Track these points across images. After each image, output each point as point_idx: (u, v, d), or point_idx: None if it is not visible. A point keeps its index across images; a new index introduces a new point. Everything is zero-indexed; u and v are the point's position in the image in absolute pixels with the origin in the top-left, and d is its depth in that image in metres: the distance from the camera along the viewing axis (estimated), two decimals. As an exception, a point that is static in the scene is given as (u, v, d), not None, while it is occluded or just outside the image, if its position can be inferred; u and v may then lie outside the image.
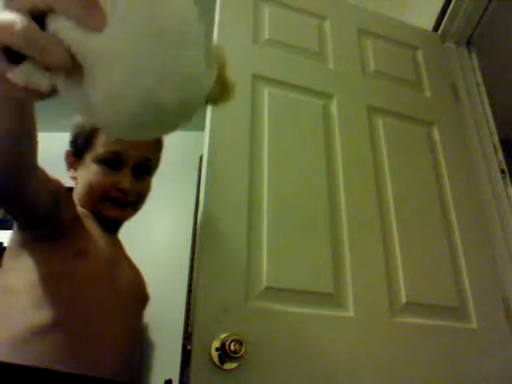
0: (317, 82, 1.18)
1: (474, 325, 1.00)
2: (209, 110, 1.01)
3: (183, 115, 0.37)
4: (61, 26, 0.29)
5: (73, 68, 0.30)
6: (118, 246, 0.89)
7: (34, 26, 0.29)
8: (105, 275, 0.77)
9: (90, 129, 0.84)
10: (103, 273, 0.77)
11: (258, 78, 1.10)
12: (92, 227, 0.81)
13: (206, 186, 0.93)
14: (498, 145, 1.32)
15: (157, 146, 0.91)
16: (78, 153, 0.87)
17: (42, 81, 0.30)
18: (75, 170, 0.88)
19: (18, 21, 0.28)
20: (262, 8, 1.22)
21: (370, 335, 0.91)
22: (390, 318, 0.94)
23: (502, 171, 1.28)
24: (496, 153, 1.31)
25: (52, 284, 0.71)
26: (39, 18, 0.29)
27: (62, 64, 0.30)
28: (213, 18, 1.13)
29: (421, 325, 0.96)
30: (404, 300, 0.97)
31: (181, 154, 2.83)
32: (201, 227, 0.89)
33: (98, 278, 0.75)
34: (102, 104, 0.32)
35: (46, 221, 0.71)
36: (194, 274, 0.86)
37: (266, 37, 1.18)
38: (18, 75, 0.29)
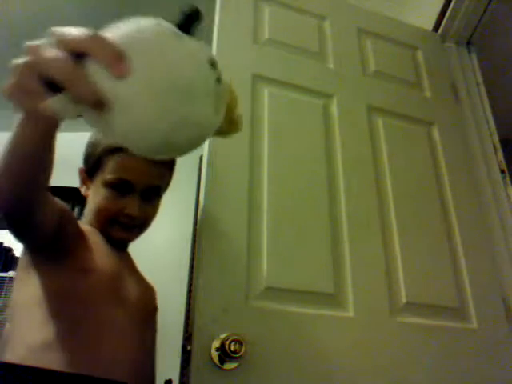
0: (317, 82, 1.18)
1: (474, 325, 1.00)
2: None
3: (191, 148, 0.44)
4: (94, 69, 0.36)
5: (98, 104, 0.36)
6: (126, 260, 0.90)
7: (73, 64, 0.35)
8: (112, 289, 0.77)
9: (101, 151, 0.84)
10: (110, 287, 0.77)
11: (258, 78, 1.10)
12: (99, 243, 0.82)
13: (206, 186, 0.93)
14: (498, 145, 1.32)
15: (166, 172, 0.90)
16: (89, 171, 0.88)
17: (71, 110, 0.36)
18: (87, 187, 0.89)
19: (62, 58, 0.35)
20: (262, 8, 1.22)
21: (370, 335, 0.91)
22: (390, 318, 0.94)
23: (502, 171, 1.28)
24: (496, 153, 1.31)
25: (59, 300, 0.71)
26: (78, 58, 0.35)
27: (90, 99, 0.35)
28: (213, 21, 1.13)
29: (421, 325, 0.96)
30: (404, 300, 0.97)
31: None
32: (201, 227, 0.89)
33: (105, 292, 0.76)
34: (121, 135, 0.39)
35: (51, 242, 0.72)
36: (194, 274, 0.86)
37: (266, 37, 1.18)
38: (54, 103, 0.35)
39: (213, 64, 0.41)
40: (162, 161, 0.85)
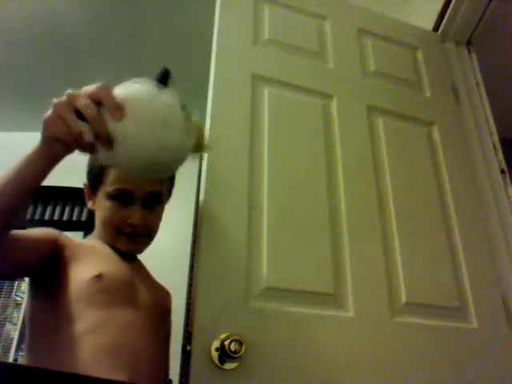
0: (317, 82, 1.18)
1: (474, 325, 1.00)
2: (209, 109, 1.01)
3: (174, 166, 0.64)
4: (106, 114, 0.56)
5: (107, 138, 0.56)
6: (138, 268, 0.92)
7: (97, 108, 0.56)
8: (124, 293, 0.80)
9: (100, 166, 0.87)
10: (122, 291, 0.79)
11: (257, 78, 1.10)
12: (107, 254, 0.85)
13: (206, 185, 0.93)
14: (498, 145, 1.32)
15: (165, 178, 0.93)
16: (93, 186, 0.91)
17: (89, 138, 0.57)
18: (93, 202, 0.92)
19: (90, 102, 0.56)
20: (262, 8, 1.22)
21: (370, 335, 0.91)
22: (390, 318, 0.94)
23: (502, 171, 1.28)
24: (496, 153, 1.31)
25: (70, 306, 0.74)
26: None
27: (104, 134, 0.55)
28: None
29: (421, 325, 0.96)
30: (404, 300, 0.97)
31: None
32: (201, 227, 0.89)
33: (117, 295, 0.78)
34: (121, 161, 0.59)
35: (49, 265, 0.77)
36: (194, 274, 0.86)
37: (266, 37, 1.18)
38: (82, 126, 0.56)
39: (183, 107, 0.61)
40: None
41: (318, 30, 1.27)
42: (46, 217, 2.82)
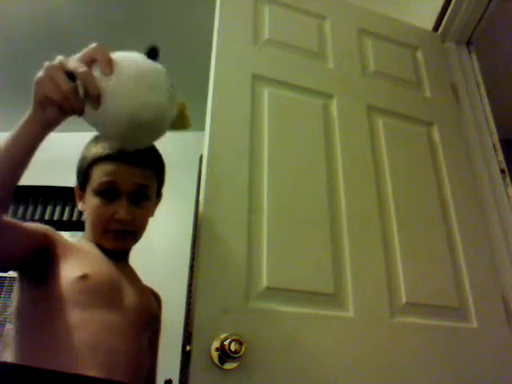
0: (317, 82, 1.18)
1: (474, 325, 1.00)
2: (209, 109, 1.01)
3: (156, 131, 0.68)
4: (96, 73, 0.61)
5: (97, 96, 0.60)
6: (126, 270, 0.91)
7: (88, 68, 0.60)
8: (108, 295, 0.79)
9: (87, 163, 0.88)
10: (106, 292, 0.79)
11: (257, 78, 1.10)
12: (94, 253, 0.85)
13: (206, 186, 0.93)
14: (498, 145, 1.32)
15: (151, 173, 0.91)
16: (82, 186, 0.91)
17: (79, 96, 0.60)
18: (83, 203, 0.91)
19: (80, 63, 0.60)
20: (262, 8, 1.22)
21: (370, 335, 0.90)
22: (390, 318, 0.94)
23: (502, 171, 1.28)
24: (496, 153, 1.31)
25: (53, 305, 0.74)
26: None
27: (94, 91, 0.60)
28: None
29: (421, 325, 0.96)
30: (404, 300, 0.97)
31: (181, 153, 2.83)
32: (201, 227, 0.89)
33: (101, 297, 0.78)
34: (106, 120, 0.62)
35: (39, 259, 0.77)
36: (194, 274, 0.86)
37: (266, 37, 1.18)
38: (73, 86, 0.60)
39: (171, 86, 0.66)
40: (144, 163, 0.88)
41: (318, 30, 1.27)
42: (46, 217, 2.82)
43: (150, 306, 0.91)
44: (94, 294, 0.76)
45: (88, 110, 0.62)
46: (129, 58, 0.65)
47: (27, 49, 2.42)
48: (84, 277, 0.76)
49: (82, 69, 0.59)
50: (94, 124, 0.64)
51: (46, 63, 0.60)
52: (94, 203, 0.86)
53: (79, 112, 0.62)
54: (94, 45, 0.62)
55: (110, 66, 0.61)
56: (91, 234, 0.88)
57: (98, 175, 0.86)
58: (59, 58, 0.61)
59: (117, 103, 0.60)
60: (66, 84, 0.59)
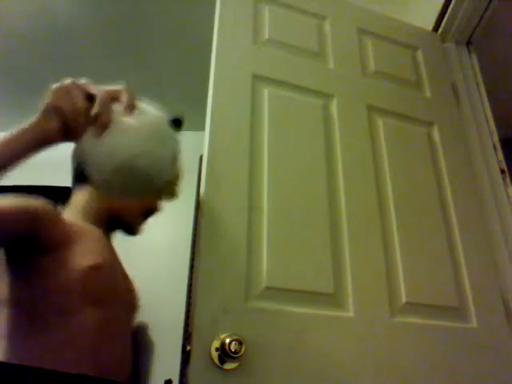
0: (317, 82, 1.18)
1: (474, 325, 1.00)
2: (209, 109, 1.01)
3: (144, 184, 0.63)
4: (115, 109, 0.61)
5: (105, 124, 0.59)
6: (115, 252, 0.90)
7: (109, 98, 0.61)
8: (114, 289, 0.79)
9: None
10: (113, 287, 0.78)
11: (258, 78, 1.10)
12: (102, 240, 0.83)
13: (206, 186, 0.93)
14: (498, 145, 1.32)
15: None
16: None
17: (91, 117, 0.59)
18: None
19: (104, 94, 0.60)
20: (262, 8, 1.22)
21: (370, 335, 0.90)
22: (390, 318, 0.94)
23: (502, 171, 1.28)
24: (496, 153, 1.31)
25: (59, 299, 0.72)
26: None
27: (104, 119, 0.58)
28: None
29: (421, 325, 0.96)
30: (404, 300, 0.97)
31: (181, 154, 2.82)
32: (201, 227, 0.89)
33: (110, 292, 0.77)
34: (103, 149, 0.59)
35: (25, 242, 0.72)
36: (194, 274, 0.86)
37: (266, 37, 1.18)
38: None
39: (176, 158, 0.68)
40: None
41: (318, 30, 1.27)
42: (46, 217, 2.81)
43: (135, 293, 0.91)
44: (106, 288, 0.75)
45: (87, 137, 0.59)
46: (152, 111, 0.64)
47: (25, 49, 2.42)
48: (96, 267, 0.74)
49: (103, 94, 0.59)
50: (85, 154, 0.61)
51: (69, 80, 0.60)
52: None
53: (80, 133, 0.59)
54: (122, 86, 0.62)
55: (132, 107, 0.60)
56: (104, 213, 0.88)
57: None
58: (84, 80, 0.61)
59: (119, 139, 0.59)
60: (81, 100, 0.58)
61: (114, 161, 0.59)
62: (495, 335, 1.01)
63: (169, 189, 0.73)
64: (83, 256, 0.74)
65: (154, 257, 2.57)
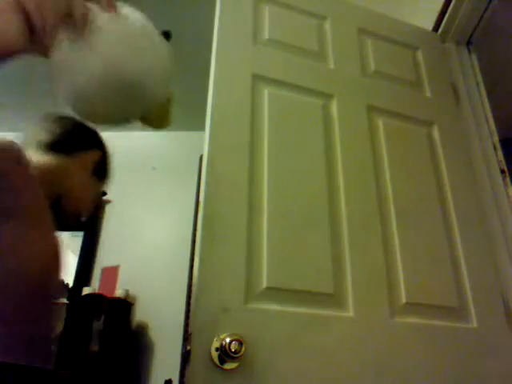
0: (317, 82, 1.18)
1: (474, 325, 1.00)
2: (209, 109, 1.01)
3: (137, 103, 0.52)
4: (94, 8, 0.48)
5: (85, 22, 0.46)
6: None
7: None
8: None
9: None
10: None
11: (258, 78, 1.10)
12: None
13: (206, 186, 0.93)
14: (498, 145, 1.32)
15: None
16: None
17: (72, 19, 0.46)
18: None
19: None
20: (262, 8, 1.22)
21: (370, 335, 0.91)
22: (390, 318, 0.94)
23: (502, 171, 1.28)
24: (496, 153, 1.31)
25: None
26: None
27: (85, 18, 0.45)
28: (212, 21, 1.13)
29: (421, 325, 0.96)
30: (404, 300, 0.97)
31: (181, 154, 2.83)
32: (201, 227, 0.89)
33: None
34: (80, 59, 0.47)
35: None
36: (194, 274, 0.86)
37: (266, 37, 1.18)
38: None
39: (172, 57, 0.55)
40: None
41: (317, 30, 1.27)
42: (46, 217, 2.82)
43: None
44: None
45: (62, 46, 0.46)
46: (138, 15, 0.53)
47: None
48: None
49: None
50: (62, 71, 0.48)
51: None
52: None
53: (49, 37, 0.44)
54: None
55: (112, 7, 0.48)
56: None
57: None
58: None
59: (103, 45, 0.47)
60: None
61: (98, 71, 0.47)
62: (495, 335, 1.01)
63: (160, 118, 0.60)
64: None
65: (154, 257, 2.57)
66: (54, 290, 0.65)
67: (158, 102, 0.56)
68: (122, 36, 0.49)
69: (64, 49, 0.46)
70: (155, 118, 0.58)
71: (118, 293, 2.36)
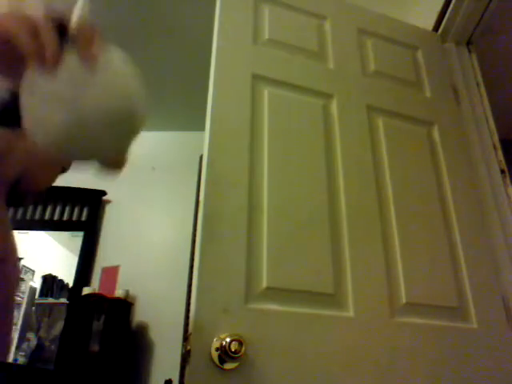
0: (317, 82, 1.18)
1: (474, 325, 1.00)
2: (209, 109, 1.01)
3: (104, 146, 0.47)
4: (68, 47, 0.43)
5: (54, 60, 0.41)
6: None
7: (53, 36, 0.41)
8: None
9: None
10: None
11: (258, 78, 1.10)
12: None
13: (206, 186, 0.93)
14: (498, 145, 1.32)
15: None
16: None
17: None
18: None
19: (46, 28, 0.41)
20: (262, 8, 1.22)
21: (370, 335, 0.91)
22: (390, 318, 0.94)
23: (502, 171, 1.28)
24: (496, 153, 1.31)
25: None
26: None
27: (50, 56, 0.40)
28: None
29: (421, 325, 0.96)
30: (404, 300, 0.97)
31: (181, 153, 2.83)
32: (200, 227, 0.89)
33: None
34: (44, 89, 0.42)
35: None
36: (194, 274, 0.86)
37: (266, 37, 1.18)
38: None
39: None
40: None
41: (318, 30, 1.27)
42: (46, 217, 2.82)
43: None
44: None
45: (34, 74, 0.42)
46: (118, 60, 0.48)
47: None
48: None
49: (44, 20, 0.41)
50: (29, 96, 0.44)
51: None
52: None
53: (17, 63, 0.41)
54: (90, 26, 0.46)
55: (91, 57, 0.43)
56: None
57: None
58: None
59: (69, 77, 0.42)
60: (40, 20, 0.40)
61: (73, 113, 0.43)
62: (495, 335, 1.01)
63: (114, 166, 0.58)
64: None
65: (154, 257, 2.57)
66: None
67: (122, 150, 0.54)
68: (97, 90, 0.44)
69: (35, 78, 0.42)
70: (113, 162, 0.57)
71: (118, 293, 2.36)
